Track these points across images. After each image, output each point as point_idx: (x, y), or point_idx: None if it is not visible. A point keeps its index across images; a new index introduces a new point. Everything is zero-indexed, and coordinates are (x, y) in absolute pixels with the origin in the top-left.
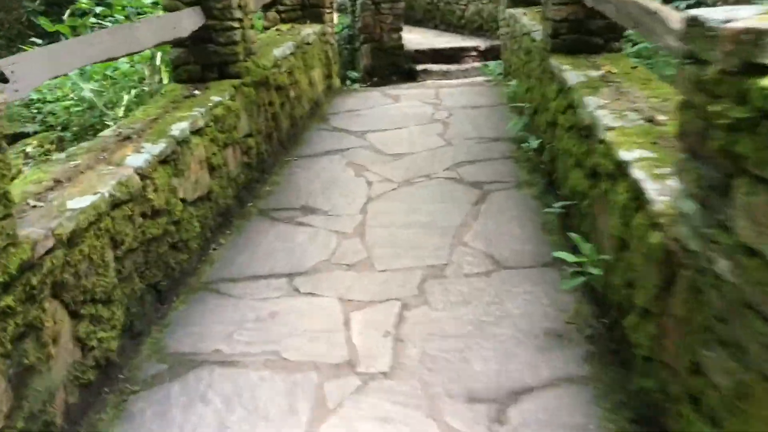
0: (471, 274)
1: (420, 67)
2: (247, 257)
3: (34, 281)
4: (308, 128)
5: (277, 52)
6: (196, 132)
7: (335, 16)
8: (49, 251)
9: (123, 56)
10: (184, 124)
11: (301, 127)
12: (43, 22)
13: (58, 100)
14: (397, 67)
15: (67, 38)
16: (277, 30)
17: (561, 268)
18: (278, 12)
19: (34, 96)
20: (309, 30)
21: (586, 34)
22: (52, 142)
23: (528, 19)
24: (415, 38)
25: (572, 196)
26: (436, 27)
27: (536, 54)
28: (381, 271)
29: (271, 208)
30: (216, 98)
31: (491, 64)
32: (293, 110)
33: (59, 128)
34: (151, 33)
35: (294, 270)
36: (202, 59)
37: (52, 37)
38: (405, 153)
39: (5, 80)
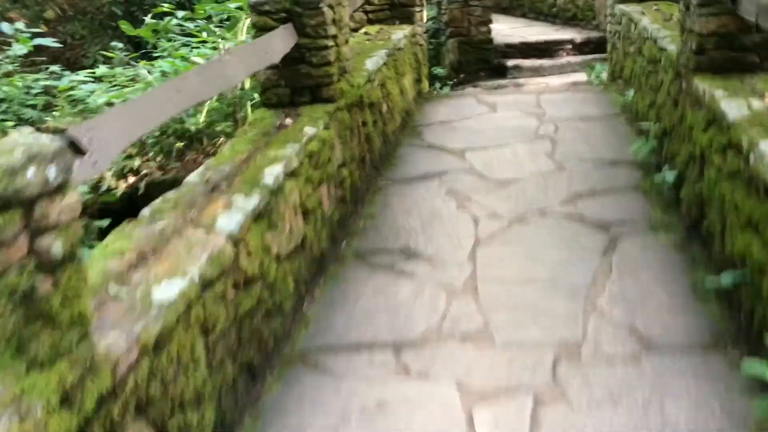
0: (615, 356)
1: (510, 62)
2: (346, 318)
3: (115, 412)
4: (400, 144)
5: (370, 63)
6: (291, 174)
7: (425, 11)
8: (132, 366)
9: (213, 97)
10: (278, 168)
11: (393, 143)
12: (124, 26)
13: None
14: (485, 63)
15: (147, 43)
16: (366, 34)
17: (726, 353)
18: (365, 12)
19: None
20: (399, 33)
21: (739, 50)
22: None
23: (649, 21)
24: (502, 28)
25: (741, 263)
26: (524, 15)
27: (668, 67)
28: (503, 345)
29: (368, 249)
30: (310, 130)
31: (597, 66)
32: (385, 126)
33: None
34: (242, 65)
35: (400, 338)
36: (293, 81)
37: (131, 39)
38: (512, 179)
39: (82, 152)
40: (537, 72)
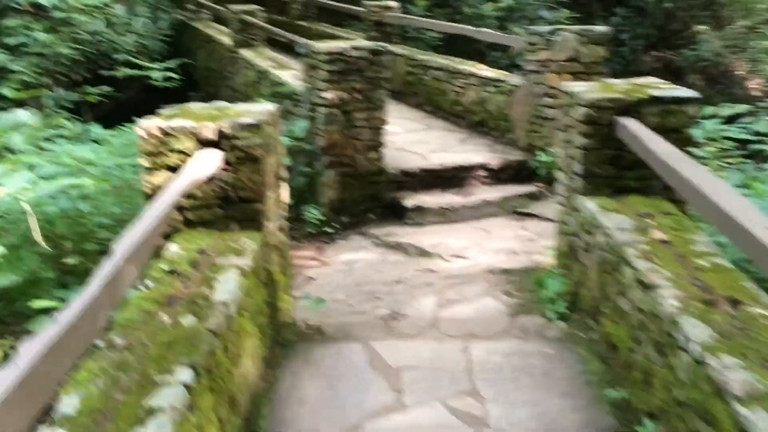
0: None
1: (410, 201)
2: None
3: None
4: None
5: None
6: None
7: (284, 191)
8: None
9: None
10: None
11: None
12: None
13: None
14: (376, 200)
15: None
16: (170, 274)
17: None
18: (180, 209)
19: None
20: (232, 275)
21: None
22: None
23: (640, 242)
24: (395, 132)
25: None
26: (420, 106)
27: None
28: None
29: None
30: None
31: (547, 280)
32: None
33: None
34: None
35: None
36: None
37: None
38: None
39: None
40: (445, 217)
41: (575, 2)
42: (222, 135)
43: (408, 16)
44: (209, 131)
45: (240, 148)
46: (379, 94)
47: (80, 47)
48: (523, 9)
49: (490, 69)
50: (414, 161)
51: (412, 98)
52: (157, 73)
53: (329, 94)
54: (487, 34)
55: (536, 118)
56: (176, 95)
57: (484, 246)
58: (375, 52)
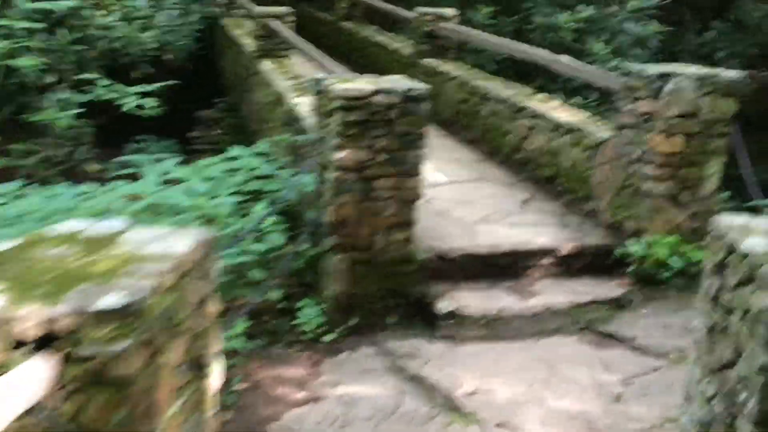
0: None
1: (445, 302)
2: None
3: None
4: None
5: None
6: None
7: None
8: None
9: None
10: None
11: None
12: None
13: None
14: (399, 296)
15: None
16: None
17: None
18: None
19: None
20: None
21: None
22: None
23: None
24: (435, 180)
25: None
26: (472, 143)
27: None
28: None
29: None
30: None
31: None
32: None
33: None
34: None
35: None
36: None
37: None
38: None
39: None
40: (491, 331)
41: (667, 14)
42: (52, 335)
43: (465, 29)
44: (31, 327)
45: (87, 361)
46: (413, 155)
47: (83, 45)
48: (604, 20)
49: (569, 109)
50: (455, 236)
51: (465, 133)
52: (130, 100)
53: (342, 154)
54: (567, 66)
55: (628, 189)
56: (201, 101)
57: (545, 403)
58: (410, 98)
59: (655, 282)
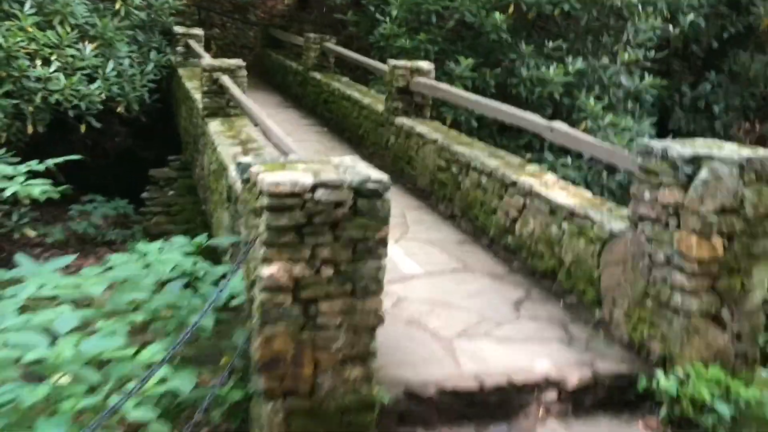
0: None
1: None
2: None
3: None
4: None
5: None
6: None
7: None
8: None
9: None
10: None
11: None
12: None
13: None
14: None
15: None
16: None
17: None
18: None
19: None
20: None
21: None
22: None
23: None
24: (401, 260)
25: None
26: (452, 218)
27: None
28: None
29: None
30: None
31: None
32: None
33: None
34: None
35: None
36: None
37: None
38: None
39: None
40: None
41: (662, 66)
42: None
43: (444, 85)
44: None
45: None
46: (369, 267)
47: (18, 99)
48: (595, 73)
49: (568, 187)
50: (431, 360)
51: (443, 206)
52: (13, 183)
53: (271, 269)
54: (565, 135)
55: (650, 300)
56: (153, 161)
57: None
58: (365, 193)
59: (694, 429)
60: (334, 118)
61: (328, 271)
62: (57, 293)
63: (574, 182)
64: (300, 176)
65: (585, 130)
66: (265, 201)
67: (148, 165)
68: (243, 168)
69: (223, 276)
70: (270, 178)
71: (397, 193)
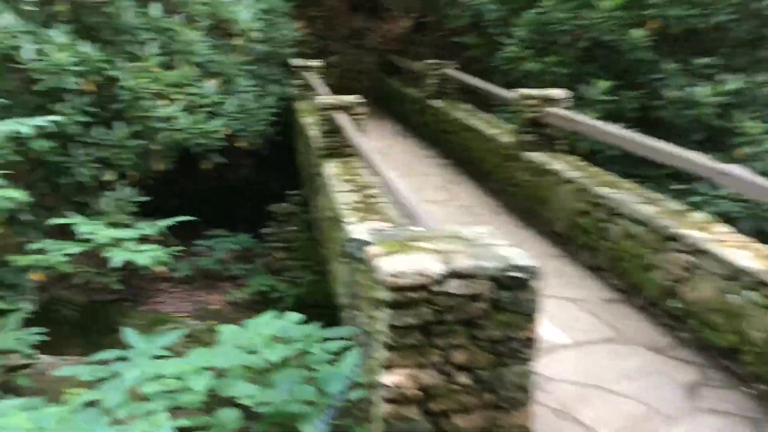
0: None
1: None
2: None
3: None
4: None
5: None
6: None
7: None
8: None
9: None
10: None
11: None
12: None
13: None
14: None
15: None
16: None
17: None
18: None
19: None
20: None
21: None
22: None
23: None
24: (543, 329)
25: None
26: (597, 271)
27: None
28: None
29: None
30: None
31: None
32: None
33: None
34: None
35: None
36: None
37: None
38: None
39: None
40: None
41: None
42: None
43: (580, 117)
44: None
45: None
46: (514, 372)
47: (143, 139)
48: (753, 91)
49: (749, 243)
50: None
51: (585, 255)
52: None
53: (393, 377)
54: (741, 182)
55: None
56: (270, 196)
57: None
58: (508, 283)
59: None
60: (456, 149)
61: (463, 379)
62: (157, 390)
63: (734, 219)
64: (427, 262)
65: (743, 157)
66: (384, 295)
67: (271, 195)
68: (357, 245)
69: (340, 352)
70: (390, 265)
71: (531, 238)
